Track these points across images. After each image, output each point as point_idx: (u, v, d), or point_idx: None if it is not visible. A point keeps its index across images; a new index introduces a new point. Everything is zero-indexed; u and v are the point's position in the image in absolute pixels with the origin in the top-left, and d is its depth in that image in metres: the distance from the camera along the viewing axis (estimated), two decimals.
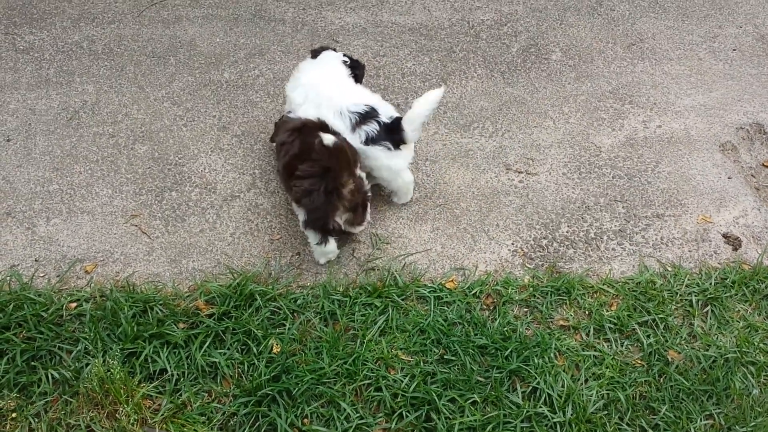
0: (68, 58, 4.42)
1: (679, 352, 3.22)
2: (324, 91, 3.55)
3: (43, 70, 4.34)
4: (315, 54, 3.86)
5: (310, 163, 3.22)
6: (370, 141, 3.45)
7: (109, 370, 2.94)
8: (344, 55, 3.84)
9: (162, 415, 2.93)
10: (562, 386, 3.06)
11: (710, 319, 3.35)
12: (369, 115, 3.46)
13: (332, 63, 3.75)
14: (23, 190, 3.76)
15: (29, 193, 3.74)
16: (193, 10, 4.70)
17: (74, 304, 3.26)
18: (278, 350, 3.14)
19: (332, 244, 3.42)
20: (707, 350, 3.23)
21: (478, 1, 4.80)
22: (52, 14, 4.71)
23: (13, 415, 2.94)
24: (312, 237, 3.40)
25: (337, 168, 3.22)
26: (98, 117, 4.09)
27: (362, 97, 3.54)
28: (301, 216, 3.35)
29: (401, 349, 3.18)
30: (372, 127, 3.44)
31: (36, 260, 3.49)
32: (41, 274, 3.43)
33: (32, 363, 3.07)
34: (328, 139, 3.26)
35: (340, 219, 3.37)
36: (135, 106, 4.16)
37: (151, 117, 4.10)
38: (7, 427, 2.92)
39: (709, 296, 3.41)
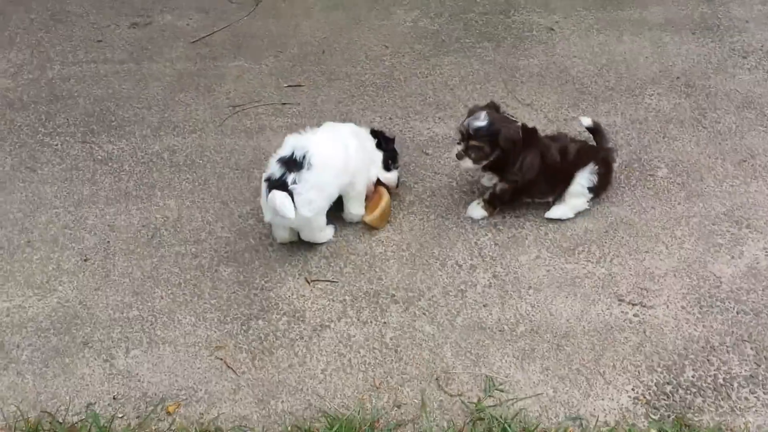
0: (149, 169, 4.26)
1: None
2: None
3: (123, 183, 4.19)
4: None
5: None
6: None
7: None
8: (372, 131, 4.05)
9: None
10: None
11: None
12: None
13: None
14: (101, 317, 3.54)
15: (108, 320, 3.52)
16: (277, 119, 4.55)
17: None
18: None
19: None
20: None
21: (574, 111, 4.57)
22: (132, 122, 4.59)
23: None
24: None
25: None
26: (180, 235, 3.90)
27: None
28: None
29: None
30: None
31: (114, 398, 3.24)
32: (120, 415, 3.17)
33: None
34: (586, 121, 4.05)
35: None
36: (219, 223, 3.96)
37: (236, 236, 3.90)
38: None
39: None
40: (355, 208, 3.93)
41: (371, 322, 3.52)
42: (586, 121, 4.02)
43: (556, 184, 3.90)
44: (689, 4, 5.54)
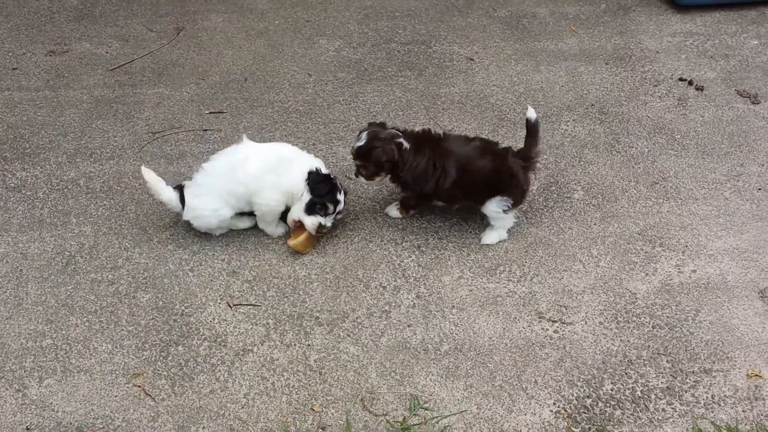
0: (64, 196, 4.15)
1: None
2: None
3: (36, 210, 4.06)
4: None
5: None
6: None
7: None
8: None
9: None
10: None
11: None
12: None
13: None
14: (13, 346, 3.40)
15: (20, 349, 3.38)
16: (198, 145, 4.50)
17: None
18: None
19: None
20: None
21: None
22: (46, 149, 4.47)
23: None
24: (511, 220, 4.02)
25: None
26: (96, 262, 3.79)
27: None
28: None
29: None
30: None
31: (27, 428, 3.10)
32: None
33: None
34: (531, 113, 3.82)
35: None
36: (137, 249, 3.87)
37: (155, 261, 3.81)
38: None
39: None
40: (264, 226, 3.99)
41: (295, 344, 3.48)
42: (531, 114, 3.78)
43: (459, 196, 3.91)
44: (603, 35, 5.75)
